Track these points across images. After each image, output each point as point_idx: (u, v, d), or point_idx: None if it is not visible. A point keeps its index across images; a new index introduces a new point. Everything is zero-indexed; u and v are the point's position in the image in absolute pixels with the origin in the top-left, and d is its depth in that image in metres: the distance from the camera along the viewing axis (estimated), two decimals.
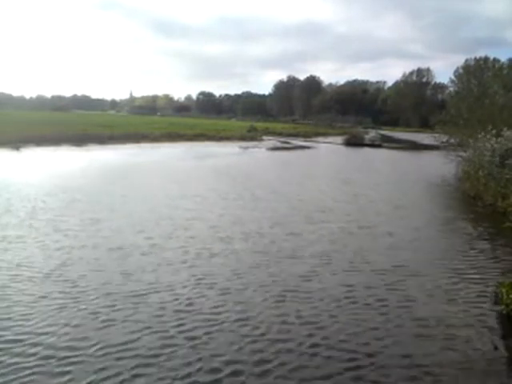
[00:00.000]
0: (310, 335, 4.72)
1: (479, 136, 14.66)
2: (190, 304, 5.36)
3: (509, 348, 4.70)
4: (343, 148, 38.98)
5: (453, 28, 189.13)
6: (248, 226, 9.09)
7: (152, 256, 7.01)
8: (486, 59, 41.06)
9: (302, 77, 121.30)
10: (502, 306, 5.42)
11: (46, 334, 4.56)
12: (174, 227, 8.76)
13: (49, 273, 6.13)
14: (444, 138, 22.39)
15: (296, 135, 53.77)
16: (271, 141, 42.36)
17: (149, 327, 4.74)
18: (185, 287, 5.85)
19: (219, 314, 5.13)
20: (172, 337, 4.57)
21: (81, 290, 5.62)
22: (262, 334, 4.70)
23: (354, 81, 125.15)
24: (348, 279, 6.36)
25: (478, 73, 30.31)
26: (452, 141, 21.28)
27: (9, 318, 4.82)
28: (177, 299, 5.47)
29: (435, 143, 25.37)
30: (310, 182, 16.18)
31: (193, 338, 4.55)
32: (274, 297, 5.68)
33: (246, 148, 32.92)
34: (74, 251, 7.08)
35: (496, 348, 4.66)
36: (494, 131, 13.92)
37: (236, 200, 11.84)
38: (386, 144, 43.83)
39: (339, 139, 45.67)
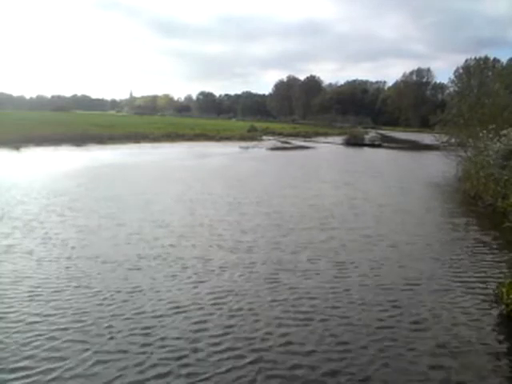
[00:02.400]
0: (348, 374, 4.10)
1: (480, 135, 14.62)
2: (204, 330, 4.74)
3: (509, 348, 4.70)
4: (343, 148, 39.00)
5: (455, 28, 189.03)
6: (257, 234, 8.54)
7: (155, 271, 6.41)
8: (486, 59, 41.08)
9: (302, 77, 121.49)
10: (502, 306, 5.43)
11: (42, 371, 3.91)
12: (177, 236, 8.17)
13: (38, 292, 5.50)
14: (444, 138, 22.38)
15: (296, 135, 53.84)
16: (271, 141, 42.37)
17: (163, 359, 4.17)
18: (198, 309, 5.22)
19: (238, 340, 4.57)
20: (188, 375, 3.98)
21: (76, 312, 4.99)
22: (289, 369, 4.13)
23: (354, 81, 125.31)
24: (372, 297, 5.80)
25: (478, 73, 30.28)
26: (452, 141, 21.28)
27: None
28: (190, 325, 4.83)
29: (435, 143, 25.37)
30: (314, 184, 15.75)
31: (212, 375, 3.98)
32: (296, 322, 5.02)
33: (247, 148, 32.92)
34: (68, 264, 6.50)
35: (496, 349, 4.65)
36: (500, 131, 13.85)
37: (241, 204, 11.37)
38: (385, 144, 43.92)
39: (339, 139, 45.72)
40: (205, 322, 4.95)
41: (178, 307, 5.27)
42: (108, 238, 8.00)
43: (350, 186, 15.56)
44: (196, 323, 4.91)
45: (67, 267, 6.43)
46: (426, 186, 16.70)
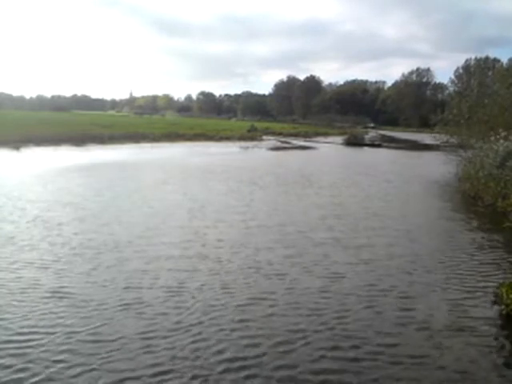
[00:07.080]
0: None
1: (491, 138, 14.52)
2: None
3: (509, 348, 4.70)
4: (344, 148, 38.99)
5: (460, 26, 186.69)
6: (271, 254, 7.40)
7: (150, 310, 5.11)
8: (486, 59, 41.12)
9: (305, 76, 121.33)
10: (502, 306, 5.42)
11: None
12: (172, 260, 6.83)
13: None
14: (444, 138, 22.40)
15: (296, 135, 53.87)
16: (271, 141, 42.37)
17: None
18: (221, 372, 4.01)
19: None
20: None
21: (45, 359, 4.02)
22: None
23: (354, 81, 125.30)
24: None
25: (478, 72, 30.29)
26: (452, 141, 21.29)
27: None
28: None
29: (435, 143, 25.38)
30: (319, 190, 14.65)
31: None
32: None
33: (246, 148, 32.91)
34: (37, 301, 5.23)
35: (496, 349, 4.65)
36: (503, 134, 13.85)
37: (255, 215, 10.26)
38: (385, 144, 43.95)
39: (339, 139, 45.72)
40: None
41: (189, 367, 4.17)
42: (93, 267, 6.41)
43: (358, 190, 15.34)
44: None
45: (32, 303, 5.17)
46: (428, 188, 16.60)
